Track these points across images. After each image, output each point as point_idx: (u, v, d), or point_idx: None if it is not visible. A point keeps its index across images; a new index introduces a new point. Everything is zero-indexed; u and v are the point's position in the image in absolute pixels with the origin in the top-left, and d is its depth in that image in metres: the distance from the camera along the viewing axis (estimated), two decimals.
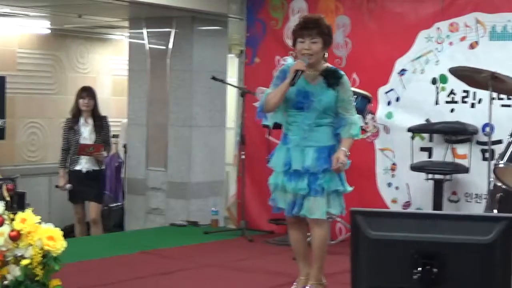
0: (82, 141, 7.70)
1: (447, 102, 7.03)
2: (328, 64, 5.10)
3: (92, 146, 7.68)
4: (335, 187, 4.94)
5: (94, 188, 7.85)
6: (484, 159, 6.69)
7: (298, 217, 5.06)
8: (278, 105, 5.02)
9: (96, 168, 7.79)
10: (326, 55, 5.08)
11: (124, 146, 9.19)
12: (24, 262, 4.17)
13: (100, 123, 7.83)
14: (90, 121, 7.79)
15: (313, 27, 4.96)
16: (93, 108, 7.80)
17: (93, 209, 7.90)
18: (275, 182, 5.06)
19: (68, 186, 7.78)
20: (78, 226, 8.01)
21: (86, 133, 7.75)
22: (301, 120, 5.00)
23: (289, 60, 5.92)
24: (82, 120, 7.77)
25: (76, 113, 7.80)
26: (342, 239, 7.21)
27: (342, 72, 5.05)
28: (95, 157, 7.71)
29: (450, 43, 7.00)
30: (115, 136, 9.11)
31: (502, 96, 6.63)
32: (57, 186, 8.02)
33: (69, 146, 7.78)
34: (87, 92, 7.82)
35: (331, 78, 4.97)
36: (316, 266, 5.07)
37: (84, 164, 7.73)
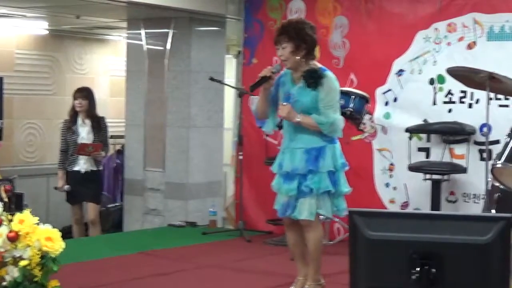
0: (80, 141, 7.69)
1: (445, 102, 7.03)
2: (316, 64, 5.06)
3: (92, 145, 7.67)
4: (325, 189, 4.94)
5: (92, 189, 7.83)
6: (482, 159, 6.69)
7: (293, 219, 5.07)
8: (264, 109, 5.09)
9: (94, 168, 7.78)
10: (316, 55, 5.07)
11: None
12: (23, 263, 4.17)
13: (98, 124, 7.81)
14: (88, 121, 7.78)
15: (281, 33, 5.01)
16: (89, 109, 7.78)
17: (91, 210, 7.89)
18: (274, 185, 5.12)
19: (67, 187, 7.77)
20: (76, 227, 7.99)
21: (84, 133, 7.74)
22: (288, 122, 5.04)
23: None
24: (79, 121, 7.76)
25: (74, 114, 7.79)
26: (341, 239, 7.21)
27: (327, 73, 4.99)
28: (94, 156, 7.70)
29: (448, 44, 7.01)
30: (113, 137, 9.10)
31: (499, 96, 6.64)
32: (55, 188, 8.00)
33: (67, 147, 7.77)
34: (80, 93, 7.82)
35: (310, 78, 4.94)
36: (312, 267, 5.09)
37: (82, 165, 7.71)
